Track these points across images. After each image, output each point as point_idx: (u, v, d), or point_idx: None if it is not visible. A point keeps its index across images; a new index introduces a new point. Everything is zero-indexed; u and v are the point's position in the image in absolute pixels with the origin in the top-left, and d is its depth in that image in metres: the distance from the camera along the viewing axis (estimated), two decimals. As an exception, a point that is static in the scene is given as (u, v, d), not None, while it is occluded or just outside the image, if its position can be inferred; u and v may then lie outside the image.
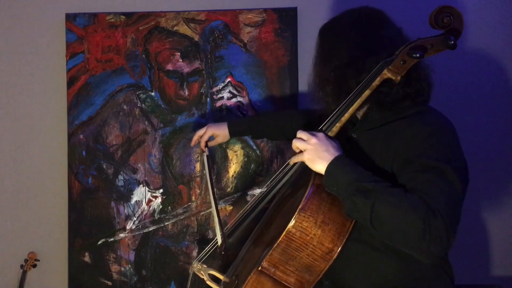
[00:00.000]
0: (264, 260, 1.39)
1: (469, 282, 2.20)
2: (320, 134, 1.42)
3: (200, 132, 2.05)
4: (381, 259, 1.44)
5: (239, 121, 2.16)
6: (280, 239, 1.36)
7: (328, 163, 1.38)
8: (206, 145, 2.04)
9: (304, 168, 1.50)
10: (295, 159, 1.47)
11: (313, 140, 1.41)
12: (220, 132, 2.03)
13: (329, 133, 1.44)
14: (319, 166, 1.39)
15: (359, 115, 1.53)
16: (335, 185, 1.37)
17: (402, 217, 1.27)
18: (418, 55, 1.38)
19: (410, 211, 1.26)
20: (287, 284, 1.40)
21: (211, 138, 2.05)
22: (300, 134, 1.44)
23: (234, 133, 2.05)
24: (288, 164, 1.54)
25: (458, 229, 1.30)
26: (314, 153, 1.40)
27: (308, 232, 1.35)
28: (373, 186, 1.31)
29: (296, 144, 1.44)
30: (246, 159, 2.35)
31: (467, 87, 2.35)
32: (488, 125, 2.35)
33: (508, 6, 2.35)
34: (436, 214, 1.25)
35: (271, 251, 1.38)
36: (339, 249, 1.37)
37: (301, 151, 1.43)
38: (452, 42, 1.38)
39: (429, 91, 1.49)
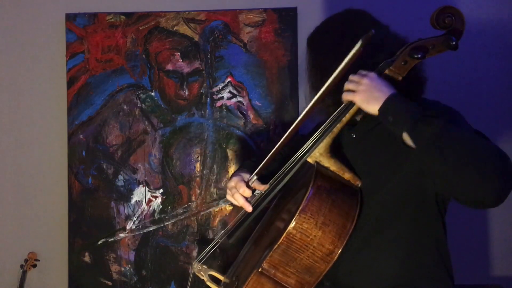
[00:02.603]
0: (264, 261, 1.39)
1: (469, 282, 2.20)
2: (372, 74, 1.36)
3: (233, 183, 1.58)
4: (382, 258, 1.44)
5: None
6: (280, 240, 1.36)
7: (384, 99, 1.30)
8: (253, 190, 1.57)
9: (304, 169, 1.50)
10: (346, 97, 1.38)
11: (365, 80, 1.34)
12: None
13: (331, 134, 1.43)
14: (373, 107, 1.32)
15: (359, 117, 1.52)
16: (392, 115, 1.29)
17: (476, 148, 1.20)
18: (419, 55, 1.37)
19: (484, 144, 1.22)
20: (287, 286, 1.40)
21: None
22: (352, 76, 1.37)
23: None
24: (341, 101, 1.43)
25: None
26: (367, 94, 1.33)
27: (308, 234, 1.35)
28: (437, 118, 1.24)
29: (348, 86, 1.37)
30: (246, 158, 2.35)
31: (467, 87, 2.35)
32: (488, 125, 2.34)
33: (508, 6, 2.34)
34: (506, 154, 1.21)
35: (271, 252, 1.37)
36: (340, 250, 1.36)
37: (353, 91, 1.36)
38: (454, 43, 1.37)
39: (425, 85, 1.49)
